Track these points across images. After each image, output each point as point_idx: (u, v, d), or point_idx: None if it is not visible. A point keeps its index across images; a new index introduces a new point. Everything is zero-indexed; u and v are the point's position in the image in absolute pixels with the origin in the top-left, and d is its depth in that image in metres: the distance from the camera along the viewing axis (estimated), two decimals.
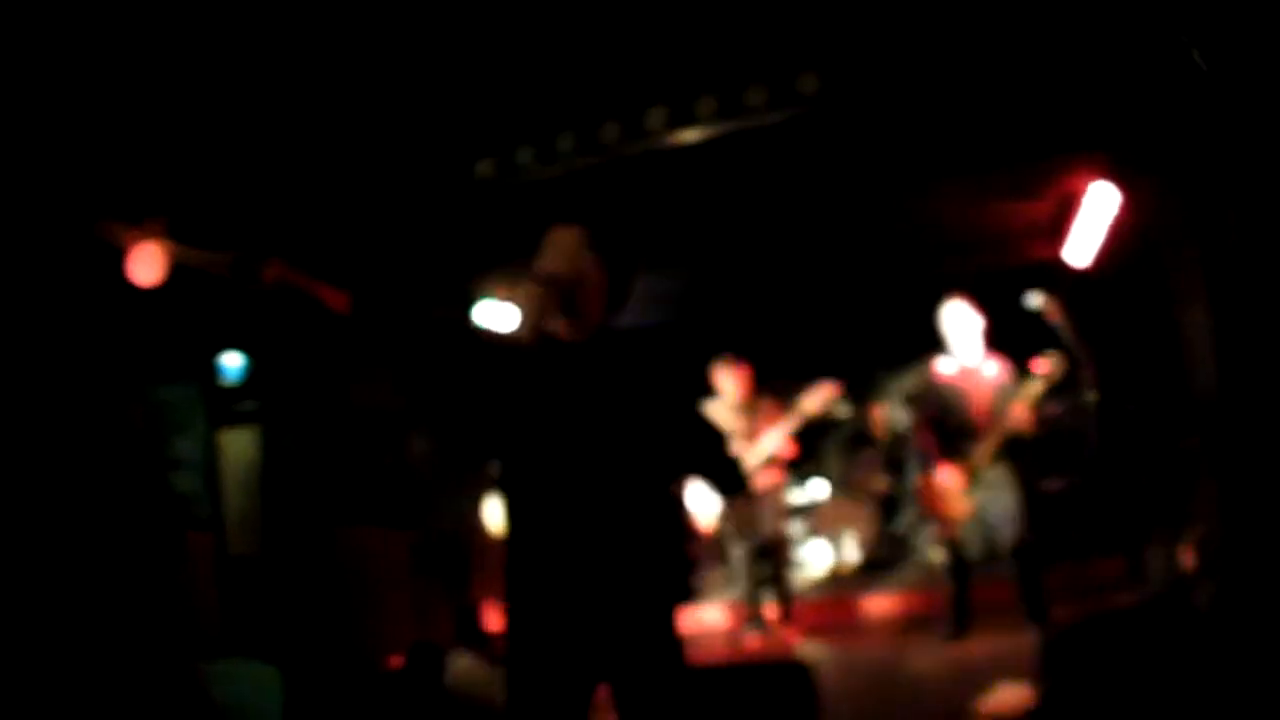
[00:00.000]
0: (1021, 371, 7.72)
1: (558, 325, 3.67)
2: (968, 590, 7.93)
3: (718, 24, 5.81)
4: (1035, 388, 7.50)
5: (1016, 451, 7.69)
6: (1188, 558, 6.77)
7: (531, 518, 3.57)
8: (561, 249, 3.67)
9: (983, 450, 7.62)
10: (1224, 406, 6.09)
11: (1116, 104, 6.51)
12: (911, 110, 6.75)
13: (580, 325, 3.69)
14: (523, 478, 3.62)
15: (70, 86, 5.64)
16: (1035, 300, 7.69)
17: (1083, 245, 8.71)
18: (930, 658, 7.96)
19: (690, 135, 6.34)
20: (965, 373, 7.86)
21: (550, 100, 6.34)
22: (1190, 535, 6.81)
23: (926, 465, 8.07)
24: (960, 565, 7.91)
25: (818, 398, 9.35)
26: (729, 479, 8.89)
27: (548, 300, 3.56)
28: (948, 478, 7.74)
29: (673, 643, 3.59)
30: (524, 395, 3.61)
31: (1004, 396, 7.64)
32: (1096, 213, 8.04)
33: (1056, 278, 9.68)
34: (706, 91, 6.22)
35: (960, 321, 7.90)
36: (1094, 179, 7.63)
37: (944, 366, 7.96)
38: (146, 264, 6.49)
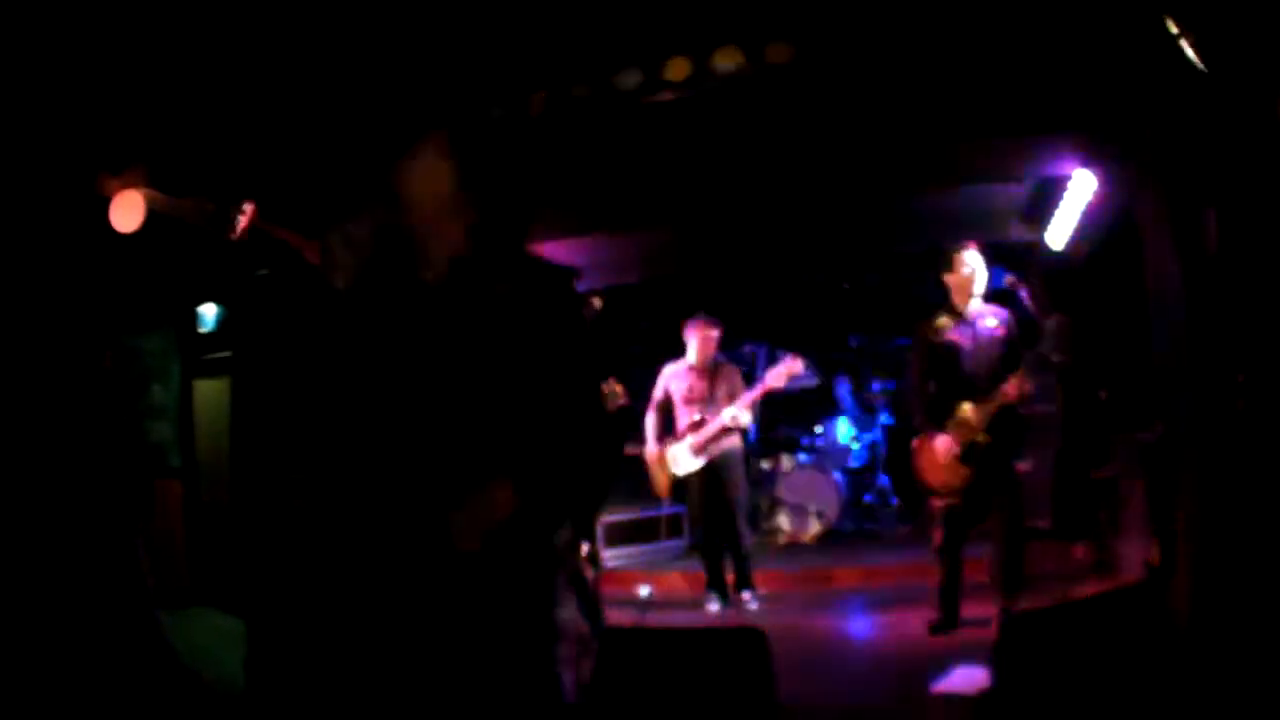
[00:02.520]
0: (1023, 324, 7.54)
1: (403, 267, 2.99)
2: (960, 573, 7.61)
3: None
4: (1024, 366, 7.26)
5: (1006, 421, 7.46)
6: (1153, 549, 6.75)
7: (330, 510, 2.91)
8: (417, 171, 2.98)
9: (978, 416, 7.38)
10: (1196, 395, 6.09)
11: (1097, 86, 6.49)
12: (889, 86, 6.73)
13: (431, 264, 2.99)
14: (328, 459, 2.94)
15: (49, 36, 5.58)
16: (1008, 281, 7.67)
17: (1060, 228, 8.69)
18: (889, 632, 8.00)
19: (663, 97, 6.30)
20: (963, 328, 7.60)
21: (522, 59, 6.30)
22: (1157, 526, 6.80)
23: (919, 430, 7.81)
24: (955, 541, 7.59)
25: (782, 373, 9.35)
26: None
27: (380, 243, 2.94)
28: (942, 443, 7.49)
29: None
30: (341, 358, 2.96)
31: (1003, 351, 7.45)
32: (1075, 196, 8.02)
33: (1031, 260, 9.71)
34: (679, 54, 6.18)
35: (969, 271, 7.63)
36: (1073, 162, 7.60)
37: (941, 323, 7.69)
38: (126, 211, 6.46)
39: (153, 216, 6.61)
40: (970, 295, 7.61)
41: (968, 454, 7.37)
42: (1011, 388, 7.26)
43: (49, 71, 5.79)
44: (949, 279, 7.69)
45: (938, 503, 7.68)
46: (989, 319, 7.58)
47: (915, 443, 7.83)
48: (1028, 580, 7.30)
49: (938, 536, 7.66)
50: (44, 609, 5.96)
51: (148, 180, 6.64)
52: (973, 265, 7.62)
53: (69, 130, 6.21)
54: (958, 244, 7.75)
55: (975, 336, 7.52)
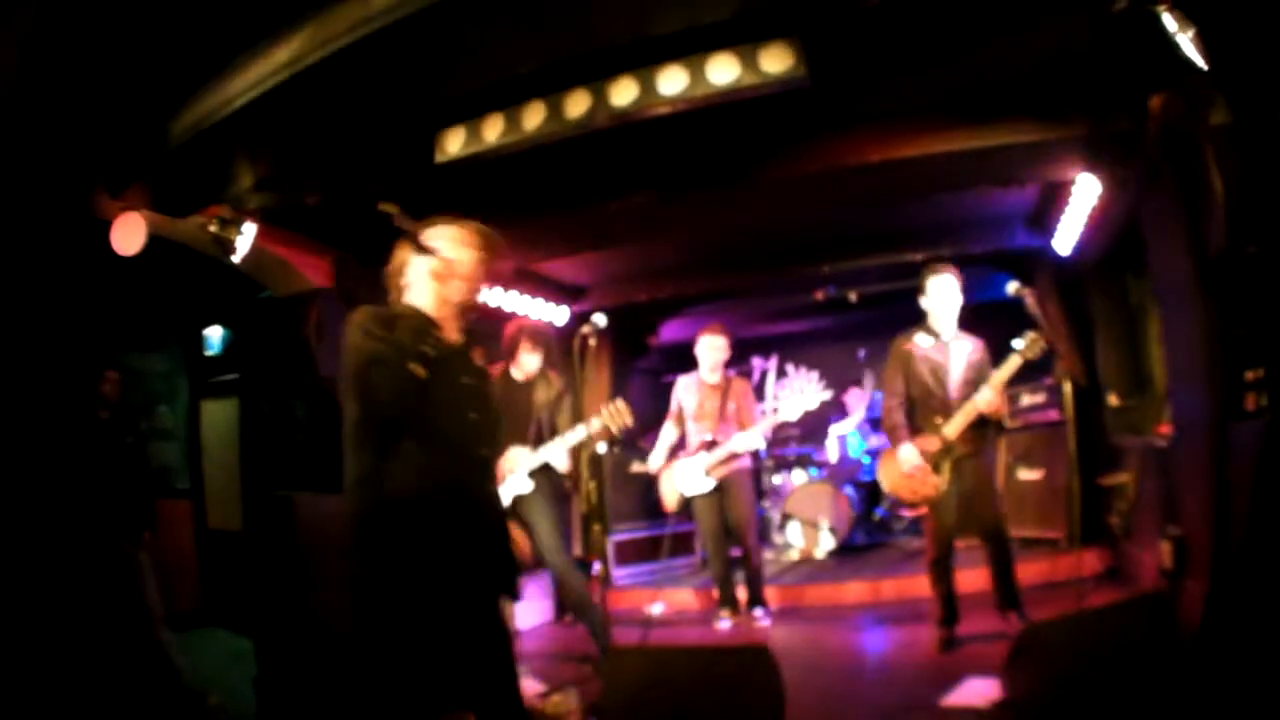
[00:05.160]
0: (1001, 352, 7.44)
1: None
2: (949, 585, 7.55)
3: None
4: (1008, 369, 7.27)
5: (985, 432, 7.50)
6: (1166, 555, 6.70)
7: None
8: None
9: (954, 426, 7.37)
10: (1207, 396, 6.03)
11: (1099, 89, 6.44)
12: (889, 92, 6.69)
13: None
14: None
15: (50, 59, 5.55)
16: (1013, 288, 7.61)
17: (1066, 233, 8.65)
18: (900, 646, 7.92)
19: (661, 109, 6.22)
20: (940, 347, 7.61)
21: (517, 71, 6.24)
22: (1169, 532, 6.75)
23: (891, 441, 7.79)
24: (941, 554, 7.53)
25: (797, 405, 9.28)
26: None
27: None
28: (912, 453, 7.48)
29: None
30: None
31: (978, 373, 7.44)
32: (1080, 201, 7.98)
33: (1037, 266, 9.66)
34: (674, 62, 6.10)
35: (945, 294, 7.58)
36: (1077, 166, 7.55)
37: (920, 340, 7.69)
38: (128, 234, 6.44)
39: (154, 239, 6.59)
40: (947, 316, 7.60)
41: (936, 464, 7.43)
42: (983, 400, 7.28)
43: (50, 93, 5.76)
44: (923, 301, 7.69)
45: (907, 513, 7.81)
46: (964, 342, 7.62)
47: (883, 454, 7.90)
48: (1040, 590, 7.22)
49: (929, 551, 7.62)
50: (46, 630, 5.93)
51: (149, 202, 6.62)
52: (947, 287, 7.61)
53: (69, 152, 6.19)
54: (932, 267, 7.72)
55: (949, 355, 7.59)
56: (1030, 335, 7.31)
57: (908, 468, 7.47)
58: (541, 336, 8.22)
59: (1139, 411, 8.59)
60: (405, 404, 3.92)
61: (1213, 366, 5.92)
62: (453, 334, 4.31)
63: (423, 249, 4.17)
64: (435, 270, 4.22)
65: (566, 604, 9.67)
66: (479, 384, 4.40)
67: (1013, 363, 7.28)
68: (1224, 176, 5.61)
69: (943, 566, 7.52)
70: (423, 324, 4.08)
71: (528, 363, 8.13)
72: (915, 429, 7.61)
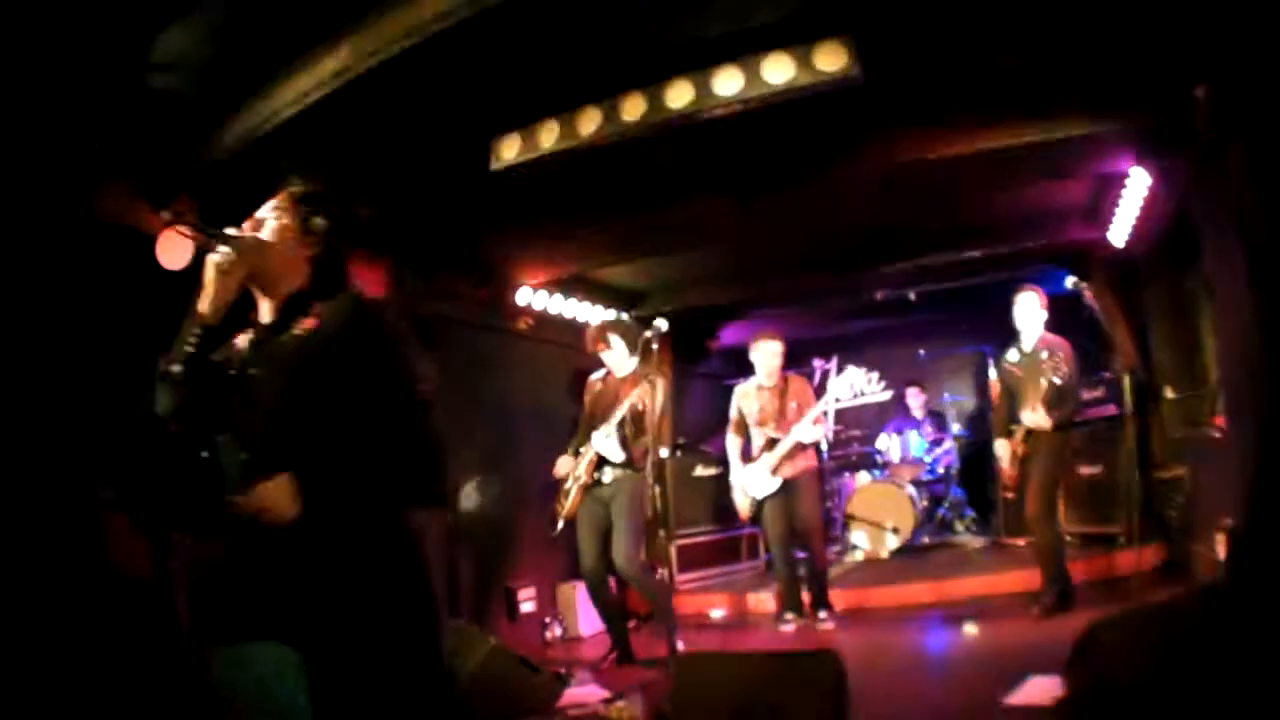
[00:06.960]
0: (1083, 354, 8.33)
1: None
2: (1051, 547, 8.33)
3: None
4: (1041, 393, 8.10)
5: (1042, 440, 8.20)
6: (1222, 547, 6.69)
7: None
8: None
9: (1019, 433, 8.36)
10: (1258, 391, 5.97)
11: (1150, 83, 6.39)
12: (944, 89, 6.65)
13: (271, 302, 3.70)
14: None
15: (91, 70, 5.61)
16: (1070, 282, 7.67)
17: (1120, 226, 8.62)
18: (964, 646, 7.90)
19: (715, 112, 6.22)
20: (1022, 361, 8.43)
21: (571, 76, 6.24)
22: (1225, 524, 6.71)
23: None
24: (1038, 529, 8.33)
25: (842, 387, 9.30)
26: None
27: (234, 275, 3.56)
28: (1002, 449, 8.59)
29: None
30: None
31: (1048, 381, 8.04)
32: (1132, 194, 7.96)
33: (1093, 259, 9.63)
34: (729, 63, 6.09)
35: (1028, 312, 8.39)
36: (1131, 160, 7.51)
37: (1010, 354, 8.61)
38: (173, 249, 6.48)
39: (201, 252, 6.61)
40: (1026, 332, 8.48)
41: (1012, 461, 8.47)
42: (1028, 418, 8.24)
43: (92, 107, 5.82)
44: (1015, 318, 8.50)
45: (1006, 494, 9.30)
46: (1042, 352, 8.25)
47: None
48: (1100, 585, 7.33)
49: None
50: (88, 643, 5.96)
51: (196, 216, 6.66)
52: (1029, 305, 8.42)
53: (113, 166, 6.24)
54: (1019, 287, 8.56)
55: (1028, 367, 8.36)
56: (1054, 358, 8.06)
57: (1000, 462, 8.69)
58: (600, 331, 8.37)
59: (1195, 404, 8.55)
60: None
61: (1267, 359, 5.87)
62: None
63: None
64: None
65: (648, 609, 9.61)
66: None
67: (1042, 386, 8.06)
68: (1263, 170, 5.57)
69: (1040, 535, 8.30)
70: None
71: (608, 360, 8.30)
72: (1006, 429, 8.61)
